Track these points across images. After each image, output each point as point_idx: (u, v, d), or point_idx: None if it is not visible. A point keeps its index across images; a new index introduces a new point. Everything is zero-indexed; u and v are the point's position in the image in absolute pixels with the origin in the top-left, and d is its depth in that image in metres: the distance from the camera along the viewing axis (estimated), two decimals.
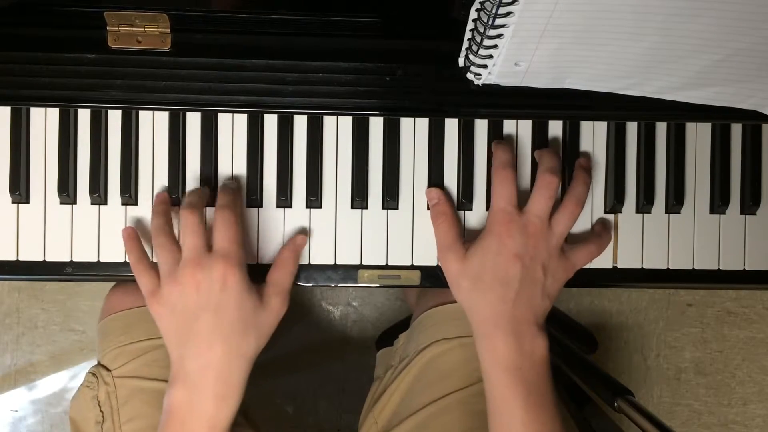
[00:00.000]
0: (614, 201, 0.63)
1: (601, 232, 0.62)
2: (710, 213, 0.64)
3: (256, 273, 0.61)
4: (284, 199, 0.62)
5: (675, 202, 0.63)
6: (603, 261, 0.63)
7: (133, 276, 0.61)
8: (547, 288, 0.58)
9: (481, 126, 0.63)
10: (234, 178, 0.62)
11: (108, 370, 0.70)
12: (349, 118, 0.62)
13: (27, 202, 0.61)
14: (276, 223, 0.62)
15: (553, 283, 0.58)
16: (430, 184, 0.62)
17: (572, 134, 0.63)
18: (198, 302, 0.54)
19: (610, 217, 0.64)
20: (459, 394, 0.68)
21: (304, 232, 0.62)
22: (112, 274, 0.62)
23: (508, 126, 0.63)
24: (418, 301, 0.83)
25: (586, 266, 0.63)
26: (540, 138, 0.63)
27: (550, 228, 0.58)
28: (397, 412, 0.73)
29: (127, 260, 0.60)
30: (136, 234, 0.60)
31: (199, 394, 0.54)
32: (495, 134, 0.63)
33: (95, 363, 0.74)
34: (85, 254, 0.61)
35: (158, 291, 0.56)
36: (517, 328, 0.56)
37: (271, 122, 0.62)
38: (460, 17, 0.56)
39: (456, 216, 0.61)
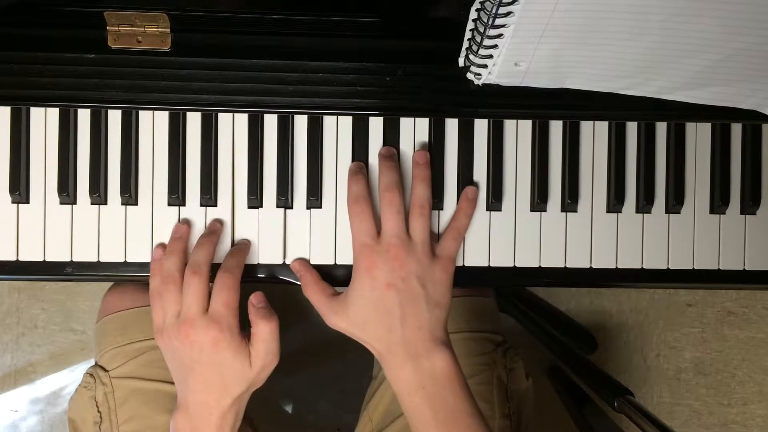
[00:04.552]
0: (614, 201, 0.63)
1: (458, 210, 0.62)
2: (710, 213, 0.64)
3: (256, 273, 0.62)
4: (284, 199, 0.62)
5: (675, 202, 0.63)
6: (604, 261, 0.63)
7: (131, 276, 0.62)
8: (432, 297, 0.57)
9: (481, 126, 0.63)
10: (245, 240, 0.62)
11: (105, 370, 0.70)
12: (349, 118, 0.62)
13: (27, 202, 0.61)
14: (276, 223, 0.62)
15: (435, 289, 0.58)
16: (431, 184, 0.62)
17: (572, 134, 0.63)
18: (192, 357, 0.57)
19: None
20: None
21: (305, 232, 0.62)
22: (112, 274, 0.62)
23: (508, 126, 0.63)
24: None
25: (586, 266, 0.63)
26: (540, 138, 0.63)
27: (411, 239, 0.58)
28: (389, 410, 0.73)
29: (128, 260, 0.61)
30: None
31: (199, 424, 0.58)
32: (495, 134, 0.63)
33: (93, 363, 0.74)
34: (85, 254, 0.61)
35: (162, 332, 0.59)
36: (411, 351, 0.56)
37: (271, 122, 0.62)
38: (460, 17, 0.56)
39: (320, 280, 0.61)
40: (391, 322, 0.56)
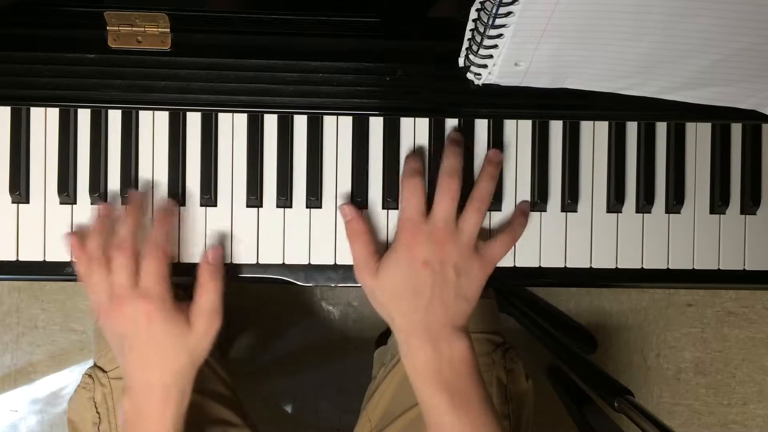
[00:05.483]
0: (614, 201, 0.63)
1: (514, 220, 0.62)
2: (710, 213, 0.64)
3: (255, 273, 0.62)
4: (284, 199, 0.62)
5: (675, 202, 0.63)
6: (604, 261, 0.63)
7: None
8: (462, 288, 0.57)
9: (481, 126, 0.63)
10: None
11: (104, 371, 0.71)
12: (349, 118, 0.62)
13: (27, 202, 0.61)
14: (276, 223, 0.62)
15: (468, 282, 0.58)
16: (431, 184, 0.62)
17: (572, 134, 0.63)
18: (127, 332, 0.57)
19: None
20: None
21: (304, 232, 0.62)
22: None
23: (508, 126, 0.63)
24: None
25: (586, 266, 0.63)
26: (540, 138, 0.63)
27: (459, 228, 0.58)
28: (388, 410, 0.73)
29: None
30: (81, 243, 0.59)
31: (143, 403, 0.57)
32: (495, 134, 0.63)
33: (92, 364, 0.74)
34: None
35: (99, 314, 0.59)
36: (433, 334, 0.56)
37: (271, 122, 0.62)
38: (460, 17, 0.56)
39: (370, 232, 0.60)
40: (418, 300, 0.56)
